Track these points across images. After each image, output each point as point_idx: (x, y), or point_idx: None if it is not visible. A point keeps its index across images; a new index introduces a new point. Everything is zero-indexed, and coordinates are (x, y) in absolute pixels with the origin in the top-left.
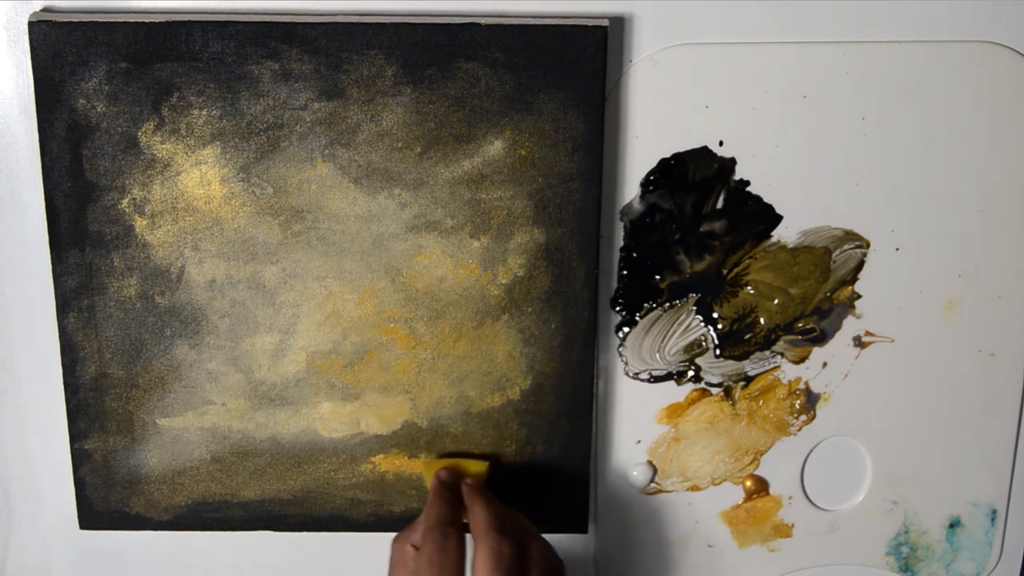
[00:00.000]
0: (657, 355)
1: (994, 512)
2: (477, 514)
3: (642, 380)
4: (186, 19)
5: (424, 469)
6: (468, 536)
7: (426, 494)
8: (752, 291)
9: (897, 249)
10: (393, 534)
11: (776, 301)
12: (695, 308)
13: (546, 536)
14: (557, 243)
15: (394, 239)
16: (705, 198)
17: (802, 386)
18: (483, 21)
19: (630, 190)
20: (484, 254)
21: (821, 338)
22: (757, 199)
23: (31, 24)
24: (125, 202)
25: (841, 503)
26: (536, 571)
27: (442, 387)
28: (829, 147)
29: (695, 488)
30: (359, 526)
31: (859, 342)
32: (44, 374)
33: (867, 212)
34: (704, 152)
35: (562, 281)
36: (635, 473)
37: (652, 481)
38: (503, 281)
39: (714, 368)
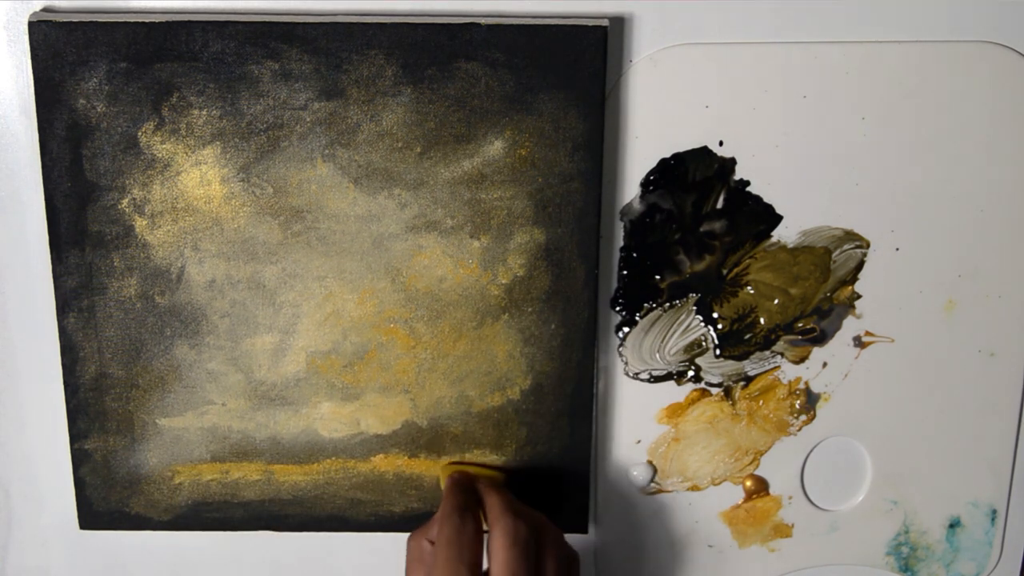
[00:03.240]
0: (657, 355)
1: (994, 512)
2: (492, 502)
3: (642, 380)
4: (186, 19)
5: (441, 472)
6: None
7: (427, 494)
8: (752, 291)
9: (897, 249)
10: (393, 534)
11: (776, 301)
12: (695, 308)
13: None
14: (557, 243)
15: (394, 239)
16: (705, 198)
17: (802, 386)
18: (483, 21)
19: (630, 190)
20: (484, 254)
21: (821, 338)
22: (757, 199)
23: (31, 24)
24: (125, 202)
25: (841, 503)
26: (552, 555)
27: (442, 387)
28: (829, 147)
29: (695, 488)
30: (359, 526)
31: (859, 342)
32: (44, 374)
33: (867, 212)
34: (704, 152)
35: (562, 281)
36: (635, 473)
37: (652, 481)
38: (503, 281)
39: (714, 368)
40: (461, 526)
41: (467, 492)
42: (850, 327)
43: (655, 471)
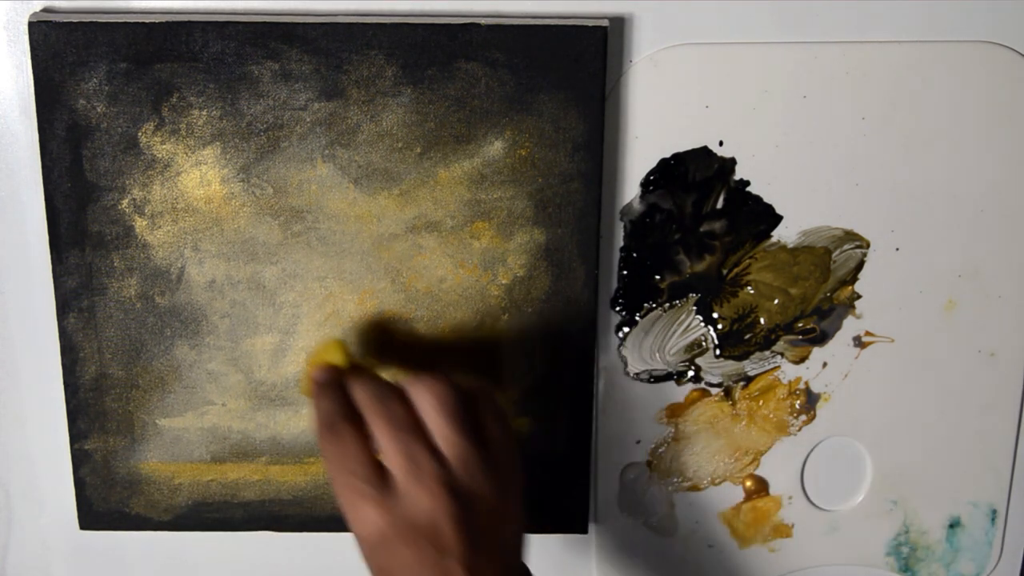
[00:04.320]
0: (657, 355)
1: (994, 512)
2: (386, 378)
3: (642, 380)
4: (186, 19)
5: (302, 385)
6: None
7: None
8: (752, 291)
9: (897, 249)
10: None
11: (776, 301)
12: (695, 308)
13: (546, 536)
14: (557, 243)
15: (394, 239)
16: (705, 198)
17: (802, 386)
18: (483, 21)
19: (630, 190)
20: (484, 254)
21: (821, 338)
22: (757, 199)
23: (31, 24)
24: (125, 202)
25: (841, 503)
26: (485, 405)
27: None
28: (829, 147)
29: (695, 488)
30: None
31: (859, 342)
32: (44, 374)
33: (867, 212)
34: (704, 152)
35: (562, 281)
36: (634, 473)
37: (651, 481)
38: (503, 281)
39: (714, 368)
40: (332, 437)
41: (335, 395)
42: (850, 327)
43: (655, 471)
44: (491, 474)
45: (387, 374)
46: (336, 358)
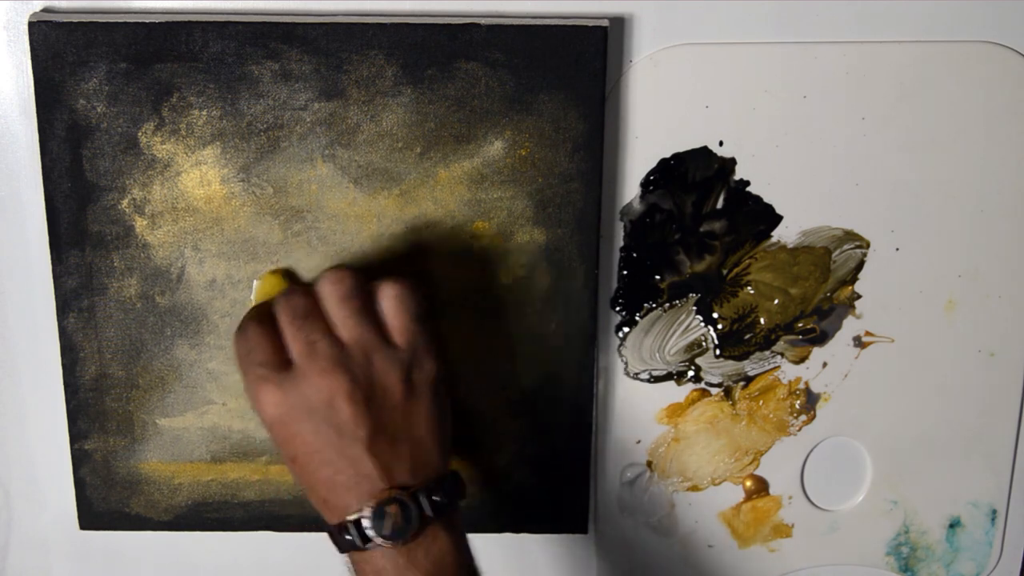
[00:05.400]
0: (657, 355)
1: (994, 512)
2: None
3: (642, 380)
4: (186, 19)
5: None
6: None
7: None
8: (752, 291)
9: (897, 249)
10: None
11: (776, 301)
12: (695, 308)
13: (545, 536)
14: (557, 243)
15: (394, 239)
16: (705, 198)
17: (802, 386)
18: (483, 21)
19: (630, 190)
20: (484, 254)
21: (821, 338)
22: (757, 199)
23: (31, 24)
24: (125, 202)
25: (841, 503)
26: (392, 297)
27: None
28: (829, 147)
29: (695, 488)
30: None
31: (859, 342)
32: (44, 374)
33: (867, 212)
34: (704, 152)
35: (562, 281)
36: (634, 473)
37: (651, 481)
38: (503, 281)
39: (714, 368)
40: (241, 338)
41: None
42: (850, 327)
43: (655, 471)
44: (393, 363)
45: None
46: (279, 288)
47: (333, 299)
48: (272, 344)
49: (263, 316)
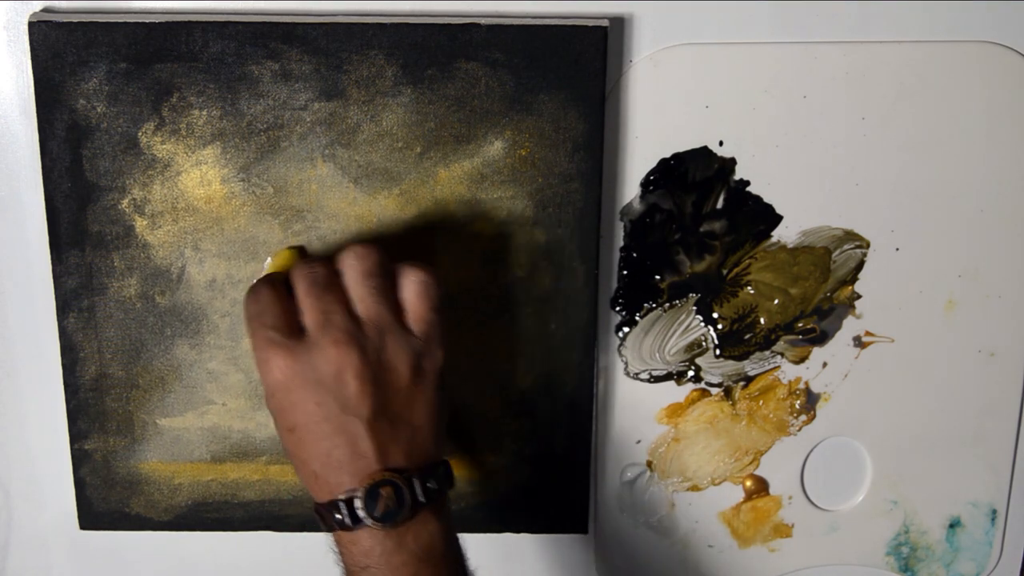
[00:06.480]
0: (657, 355)
1: (994, 512)
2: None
3: (642, 380)
4: (186, 19)
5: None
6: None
7: None
8: (752, 291)
9: (897, 249)
10: None
11: (776, 301)
12: (695, 308)
13: (545, 536)
14: (557, 243)
15: (394, 239)
16: (705, 198)
17: (802, 386)
18: (483, 21)
19: (630, 190)
20: (484, 254)
21: (821, 338)
22: (757, 199)
23: (31, 24)
24: (125, 202)
25: (841, 503)
26: (414, 282)
27: None
28: (829, 147)
29: (695, 488)
30: None
31: (859, 342)
32: (44, 374)
33: (867, 212)
34: (704, 152)
35: (562, 281)
36: (634, 473)
37: (651, 481)
38: (503, 281)
39: (714, 368)
40: (254, 299)
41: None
42: (850, 327)
43: (655, 471)
44: (405, 347)
45: None
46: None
47: (355, 274)
48: (285, 309)
49: (277, 282)
